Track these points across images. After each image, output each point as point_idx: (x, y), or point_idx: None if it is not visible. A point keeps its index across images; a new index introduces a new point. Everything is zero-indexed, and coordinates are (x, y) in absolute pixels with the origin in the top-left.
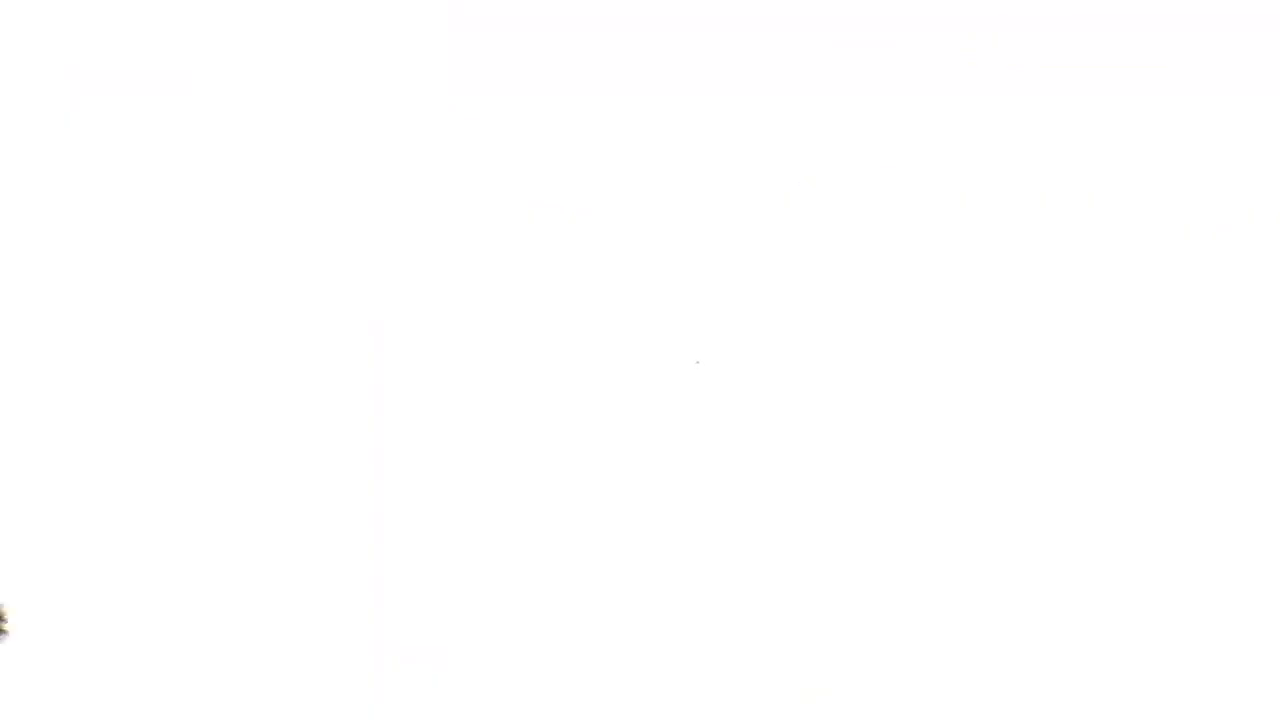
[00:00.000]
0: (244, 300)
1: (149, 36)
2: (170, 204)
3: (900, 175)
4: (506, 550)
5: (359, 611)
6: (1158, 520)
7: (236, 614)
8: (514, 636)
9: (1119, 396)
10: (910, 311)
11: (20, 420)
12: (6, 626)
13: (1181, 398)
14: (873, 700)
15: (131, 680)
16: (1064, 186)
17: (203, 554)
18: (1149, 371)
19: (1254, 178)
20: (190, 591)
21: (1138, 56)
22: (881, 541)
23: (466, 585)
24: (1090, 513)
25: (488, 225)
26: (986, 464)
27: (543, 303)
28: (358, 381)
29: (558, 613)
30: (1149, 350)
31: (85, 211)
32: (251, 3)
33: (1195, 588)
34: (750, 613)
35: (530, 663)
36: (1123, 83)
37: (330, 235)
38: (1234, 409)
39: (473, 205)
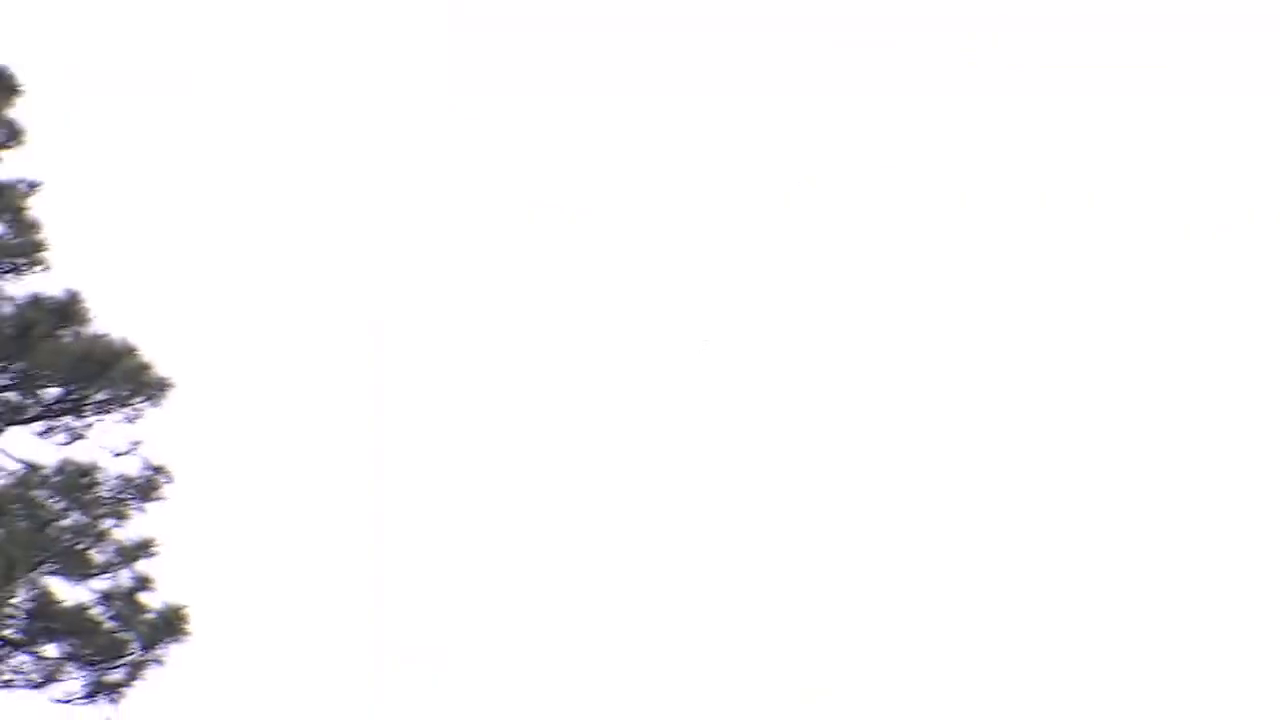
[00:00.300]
0: (244, 299)
1: (151, 37)
2: (169, 203)
3: (900, 175)
4: (506, 550)
5: (359, 611)
6: (1157, 519)
7: (237, 613)
8: (514, 636)
9: (1118, 394)
10: (910, 308)
11: None
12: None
13: (1181, 396)
14: (873, 700)
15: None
16: (1064, 186)
17: (204, 553)
18: (1149, 370)
19: (1254, 178)
20: (191, 590)
21: (1138, 56)
22: (882, 539)
23: (466, 585)
24: (1090, 511)
25: (488, 225)
26: (986, 461)
27: (542, 303)
28: (358, 381)
29: (557, 613)
30: (1149, 349)
31: (86, 211)
32: (252, 5)
33: (1195, 587)
34: (750, 613)
35: (530, 663)
36: (1123, 83)
37: (331, 235)
38: (1234, 407)
39: (473, 205)
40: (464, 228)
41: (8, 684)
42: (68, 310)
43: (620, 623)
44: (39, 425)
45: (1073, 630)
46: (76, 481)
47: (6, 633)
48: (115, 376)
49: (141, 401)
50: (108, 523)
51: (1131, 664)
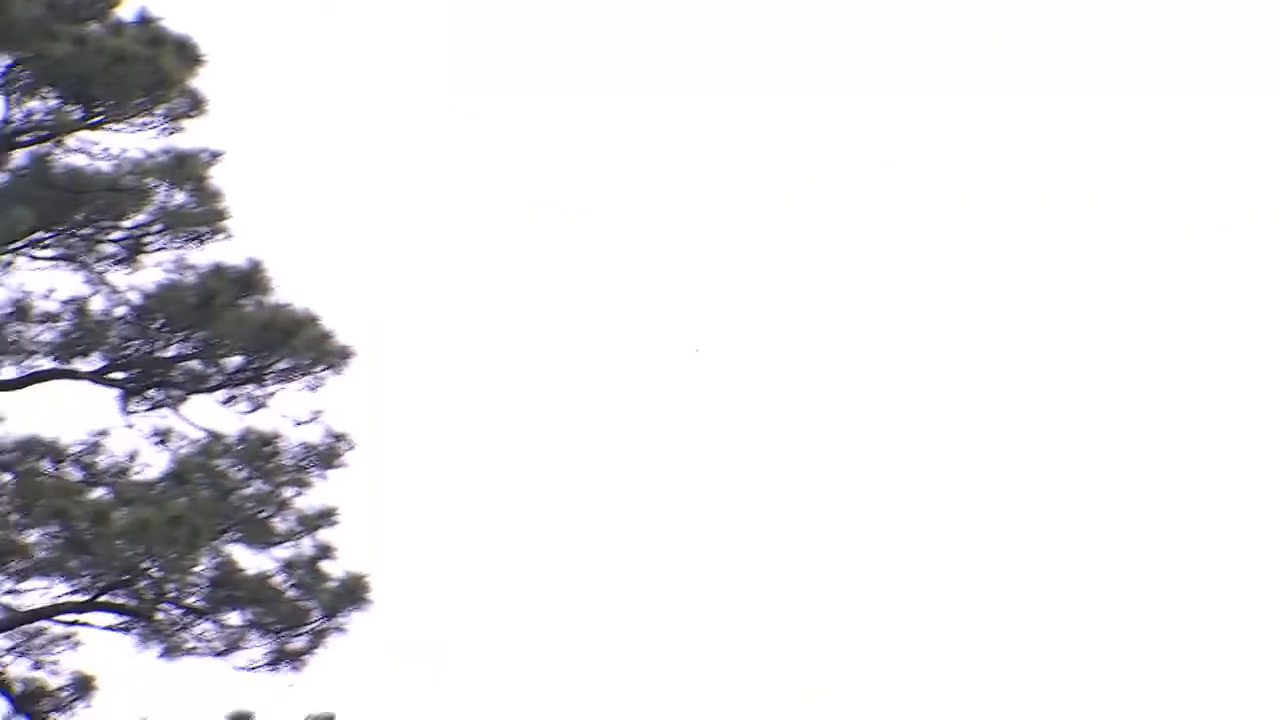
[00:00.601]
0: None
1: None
2: None
3: (900, 175)
4: (506, 550)
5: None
6: (1157, 519)
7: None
8: (514, 636)
9: (1119, 394)
10: (910, 308)
11: None
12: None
13: (1181, 396)
14: (873, 700)
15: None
16: (1064, 186)
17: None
18: (1149, 370)
19: (1254, 178)
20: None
21: (1138, 56)
22: (882, 539)
23: (466, 585)
24: (1090, 511)
25: (487, 225)
26: (986, 461)
27: (542, 303)
28: (358, 381)
29: (556, 613)
30: (1149, 349)
31: (269, 179)
32: (252, 4)
33: (1195, 587)
34: (750, 613)
35: (530, 663)
36: (1123, 83)
37: (330, 235)
38: (1234, 407)
39: (473, 205)
40: (464, 228)
41: (191, 652)
42: (250, 279)
43: (619, 623)
44: (221, 394)
45: (1073, 630)
46: (259, 450)
47: (190, 601)
48: (297, 345)
49: (323, 370)
50: (290, 491)
51: (1131, 664)
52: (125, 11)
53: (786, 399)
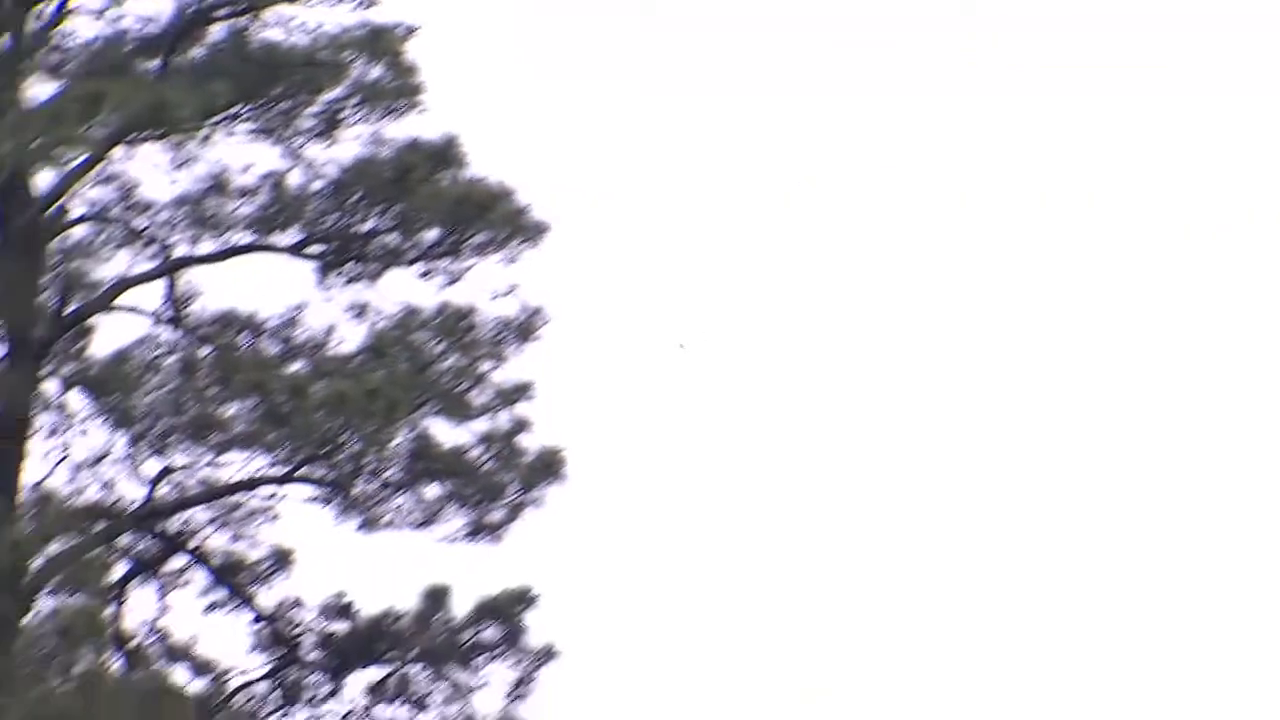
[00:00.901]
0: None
1: None
2: None
3: (900, 175)
4: (502, 550)
5: None
6: (1157, 519)
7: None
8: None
9: (1119, 394)
10: (910, 308)
11: None
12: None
13: (1181, 396)
14: (873, 700)
15: None
16: (1064, 186)
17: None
18: (1149, 370)
19: (1254, 178)
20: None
21: (1138, 56)
22: (882, 539)
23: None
24: (1090, 511)
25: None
26: (986, 461)
27: (541, 301)
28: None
29: (553, 613)
30: (1149, 349)
31: (464, 53)
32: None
33: (1195, 587)
34: (750, 613)
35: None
36: (1123, 83)
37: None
38: (1234, 407)
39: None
40: None
41: (389, 524)
42: (445, 154)
43: (617, 623)
44: (418, 267)
45: (1073, 630)
46: (455, 324)
47: (388, 474)
48: (494, 219)
49: (519, 243)
50: (486, 365)
51: (1132, 664)
52: None
53: (788, 398)
